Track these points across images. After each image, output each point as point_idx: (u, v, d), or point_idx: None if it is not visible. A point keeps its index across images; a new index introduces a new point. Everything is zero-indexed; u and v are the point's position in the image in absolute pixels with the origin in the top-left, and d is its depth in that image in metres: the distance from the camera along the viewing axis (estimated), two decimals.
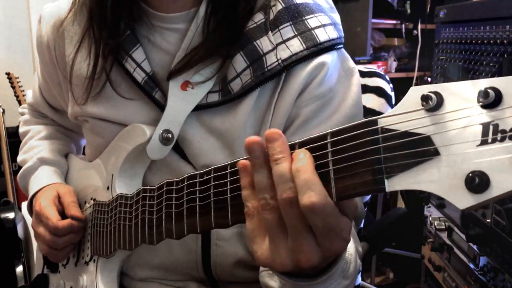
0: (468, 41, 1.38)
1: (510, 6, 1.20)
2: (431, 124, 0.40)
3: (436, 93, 0.40)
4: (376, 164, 0.43)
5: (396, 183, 0.42)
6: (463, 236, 1.34)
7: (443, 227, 1.49)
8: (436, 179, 0.40)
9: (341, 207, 0.49)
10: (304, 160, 0.47)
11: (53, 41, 0.88)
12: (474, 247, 1.29)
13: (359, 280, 1.19)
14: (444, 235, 1.49)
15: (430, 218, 1.56)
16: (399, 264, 2.47)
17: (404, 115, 0.42)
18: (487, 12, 1.31)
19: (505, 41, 1.20)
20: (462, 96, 0.39)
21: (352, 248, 0.63)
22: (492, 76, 1.24)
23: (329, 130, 0.47)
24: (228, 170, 0.55)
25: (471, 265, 1.32)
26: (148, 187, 0.70)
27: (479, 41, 1.32)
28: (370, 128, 0.44)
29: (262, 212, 0.49)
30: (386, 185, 0.43)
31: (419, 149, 0.41)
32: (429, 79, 2.14)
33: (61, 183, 0.95)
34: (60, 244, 0.86)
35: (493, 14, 1.27)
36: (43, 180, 0.94)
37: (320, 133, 0.48)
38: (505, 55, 1.20)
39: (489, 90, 0.37)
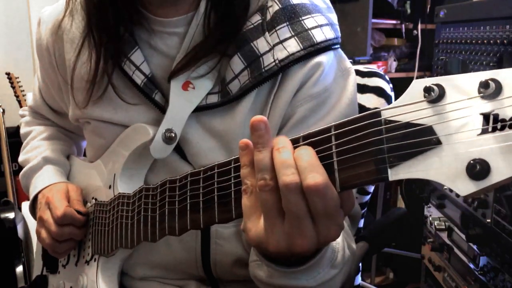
0: (468, 41, 1.38)
1: (510, 6, 1.20)
2: (433, 114, 0.41)
3: (438, 85, 0.41)
4: (379, 154, 0.44)
5: (399, 172, 0.43)
6: (463, 236, 1.34)
7: (443, 227, 1.49)
8: (438, 167, 0.41)
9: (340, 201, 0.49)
10: (306, 149, 0.49)
11: (52, 45, 0.88)
12: (474, 247, 1.29)
13: (359, 280, 1.19)
14: (444, 235, 1.50)
15: (430, 218, 1.57)
16: (399, 264, 2.47)
17: (407, 107, 0.43)
18: (487, 12, 1.31)
19: (505, 41, 1.21)
20: (463, 88, 0.40)
21: (339, 238, 0.64)
22: None
23: (333, 123, 0.48)
24: (232, 165, 0.56)
25: (471, 265, 1.32)
26: (150, 186, 0.70)
27: (479, 41, 1.32)
28: (373, 120, 0.45)
29: (261, 192, 0.50)
30: (389, 174, 0.44)
31: (421, 139, 0.42)
32: None
33: (67, 182, 0.96)
34: (61, 235, 0.86)
35: (493, 14, 1.28)
36: (49, 179, 0.94)
37: (324, 126, 0.49)
38: (505, 55, 1.20)
39: (489, 81, 0.38)
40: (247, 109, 0.75)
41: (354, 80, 0.80)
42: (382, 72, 1.20)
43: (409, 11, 2.54)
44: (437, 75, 1.59)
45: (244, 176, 0.52)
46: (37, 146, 1.02)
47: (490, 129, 0.38)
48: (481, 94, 0.39)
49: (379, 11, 2.45)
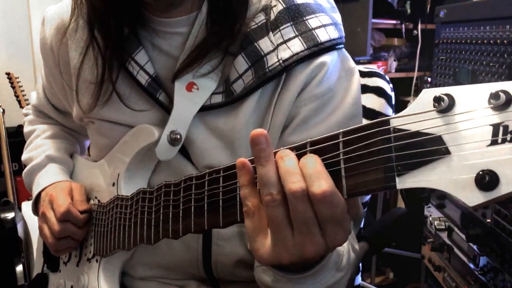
0: (468, 41, 1.38)
1: (510, 6, 1.20)
2: (442, 124, 0.41)
3: (448, 95, 0.41)
4: (387, 162, 0.44)
5: (407, 181, 0.43)
6: (463, 236, 1.34)
7: (443, 227, 1.49)
8: (447, 177, 0.41)
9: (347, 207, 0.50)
10: (311, 156, 0.49)
11: (57, 46, 0.88)
12: (474, 247, 1.29)
13: (359, 280, 1.19)
14: (444, 235, 1.49)
15: (430, 218, 1.56)
16: (399, 264, 2.47)
17: (416, 116, 0.43)
18: (487, 12, 1.31)
19: (505, 41, 1.21)
20: (473, 98, 0.40)
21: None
22: (492, 76, 1.24)
23: (341, 130, 0.48)
24: None
25: (471, 265, 1.32)
26: (147, 189, 0.71)
27: (479, 41, 1.32)
28: (382, 128, 0.45)
29: (268, 209, 0.49)
30: (396, 183, 0.44)
31: (430, 148, 0.42)
32: (429, 79, 2.14)
33: (70, 180, 0.95)
34: (62, 233, 0.85)
35: (493, 14, 1.28)
36: (53, 177, 0.94)
37: (332, 133, 0.49)
38: (505, 55, 1.20)
39: (500, 93, 0.38)
40: (251, 109, 0.76)
41: (358, 80, 0.80)
42: (382, 72, 1.20)
43: (409, 11, 2.54)
44: (437, 75, 1.59)
45: (245, 197, 0.52)
46: (40, 145, 1.02)
47: (499, 141, 0.38)
48: (491, 105, 0.39)
49: (379, 11, 2.45)
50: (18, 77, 2.44)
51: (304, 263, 0.54)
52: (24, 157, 1.03)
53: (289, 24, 0.74)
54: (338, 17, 0.79)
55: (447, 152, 0.41)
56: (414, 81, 2.60)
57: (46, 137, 1.04)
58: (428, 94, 0.43)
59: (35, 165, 0.98)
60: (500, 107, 0.39)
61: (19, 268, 1.62)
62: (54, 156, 0.98)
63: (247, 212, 0.52)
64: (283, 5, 0.75)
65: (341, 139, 0.48)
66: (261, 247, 0.52)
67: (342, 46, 0.79)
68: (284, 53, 0.73)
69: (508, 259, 1.15)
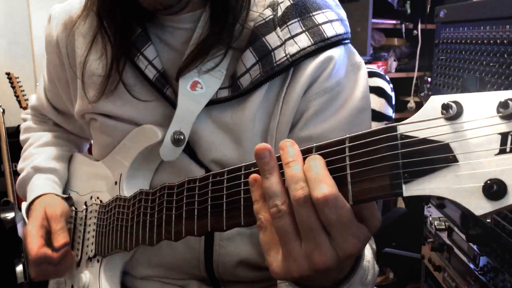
0: (468, 41, 1.38)
1: (510, 6, 1.20)
2: (450, 132, 0.41)
3: (456, 102, 0.41)
4: (394, 169, 0.44)
5: (413, 188, 0.43)
6: (463, 236, 1.34)
7: (443, 227, 1.49)
8: (454, 185, 0.40)
9: (362, 217, 0.49)
10: (315, 159, 0.48)
11: (64, 39, 0.87)
12: (474, 247, 1.29)
13: None
14: (444, 235, 1.50)
15: (430, 218, 1.57)
16: (399, 264, 2.47)
17: (424, 123, 0.43)
18: (487, 12, 1.31)
19: (505, 41, 1.21)
20: (482, 106, 0.40)
21: (369, 255, 0.64)
22: (492, 76, 1.24)
23: (347, 135, 0.48)
24: (242, 172, 0.56)
25: (471, 265, 1.32)
26: (150, 190, 0.70)
27: (479, 41, 1.32)
28: (389, 134, 0.44)
29: (274, 220, 0.49)
30: (403, 190, 0.43)
31: (438, 156, 0.41)
32: (429, 79, 2.14)
33: (52, 195, 0.94)
34: (37, 274, 0.85)
35: (493, 14, 1.28)
36: (37, 190, 0.94)
37: (338, 138, 0.49)
38: (505, 55, 1.20)
39: (509, 102, 0.38)
40: (258, 103, 0.76)
41: (365, 74, 0.81)
42: (382, 72, 1.21)
43: (409, 11, 2.54)
44: (437, 75, 1.59)
45: (257, 212, 0.52)
46: (32, 154, 1.02)
47: (508, 150, 0.38)
48: (500, 114, 0.39)
49: (379, 11, 2.45)
50: (18, 77, 2.43)
51: (320, 276, 0.53)
52: (19, 167, 1.04)
53: (296, 19, 0.75)
54: (343, 13, 0.80)
55: (454, 160, 0.40)
56: (414, 81, 2.60)
57: (39, 145, 1.03)
58: (435, 101, 0.42)
59: (23, 177, 0.98)
60: (508, 116, 0.38)
61: (19, 268, 1.62)
62: (40, 167, 0.97)
63: (261, 226, 0.52)
64: (290, 1, 0.76)
65: (347, 145, 0.47)
66: (274, 261, 0.51)
67: (348, 41, 0.79)
68: (292, 48, 0.73)
69: (508, 259, 1.15)
